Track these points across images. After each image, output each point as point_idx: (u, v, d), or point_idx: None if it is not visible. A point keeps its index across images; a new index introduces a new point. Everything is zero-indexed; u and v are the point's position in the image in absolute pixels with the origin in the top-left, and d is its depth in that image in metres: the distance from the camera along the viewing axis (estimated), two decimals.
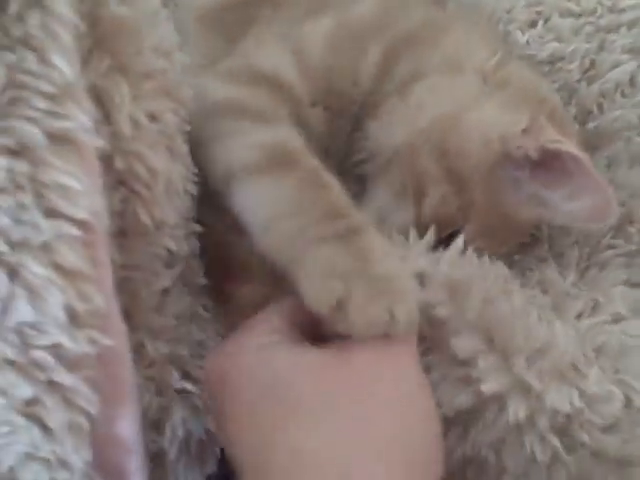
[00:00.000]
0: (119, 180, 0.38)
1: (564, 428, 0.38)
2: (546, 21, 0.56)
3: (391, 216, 0.48)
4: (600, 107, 0.55)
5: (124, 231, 0.39)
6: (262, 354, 0.36)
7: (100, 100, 0.37)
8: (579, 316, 0.44)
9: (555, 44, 0.56)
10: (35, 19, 0.31)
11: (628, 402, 0.39)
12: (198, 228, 0.46)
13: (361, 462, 0.32)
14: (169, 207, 0.41)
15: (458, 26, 0.53)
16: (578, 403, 0.38)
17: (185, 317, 0.44)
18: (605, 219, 0.46)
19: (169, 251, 0.42)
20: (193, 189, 0.44)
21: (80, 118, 0.33)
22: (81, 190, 0.32)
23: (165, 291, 0.42)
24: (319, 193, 0.38)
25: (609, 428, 0.38)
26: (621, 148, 0.53)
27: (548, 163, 0.46)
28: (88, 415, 0.33)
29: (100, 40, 0.37)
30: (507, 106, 0.48)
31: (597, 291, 0.46)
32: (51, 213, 0.31)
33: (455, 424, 0.39)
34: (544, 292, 0.47)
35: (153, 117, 0.39)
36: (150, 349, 0.41)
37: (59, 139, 0.32)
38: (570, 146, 0.45)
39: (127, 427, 0.36)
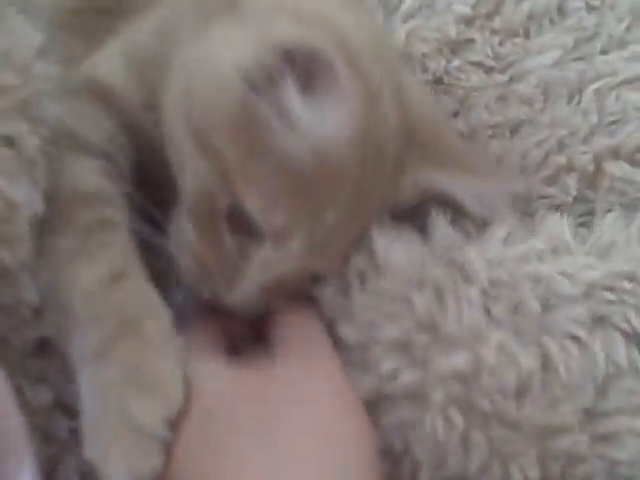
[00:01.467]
0: None
1: (463, 397, 0.35)
2: None
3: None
4: (526, 31, 0.51)
5: None
6: None
7: None
8: (506, 242, 0.39)
9: None
10: None
11: (545, 363, 0.35)
12: None
13: None
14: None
15: None
16: (474, 369, 0.35)
17: None
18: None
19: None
20: None
21: None
22: None
23: (42, 338, 0.38)
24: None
25: (517, 394, 0.35)
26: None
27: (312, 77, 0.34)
28: None
29: None
30: (237, 27, 0.38)
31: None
32: None
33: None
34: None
35: (8, 141, 0.36)
36: (30, 395, 0.37)
37: None
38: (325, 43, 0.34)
39: None
